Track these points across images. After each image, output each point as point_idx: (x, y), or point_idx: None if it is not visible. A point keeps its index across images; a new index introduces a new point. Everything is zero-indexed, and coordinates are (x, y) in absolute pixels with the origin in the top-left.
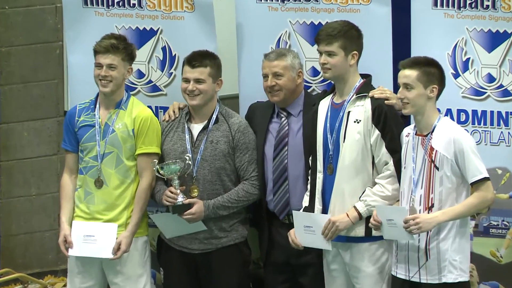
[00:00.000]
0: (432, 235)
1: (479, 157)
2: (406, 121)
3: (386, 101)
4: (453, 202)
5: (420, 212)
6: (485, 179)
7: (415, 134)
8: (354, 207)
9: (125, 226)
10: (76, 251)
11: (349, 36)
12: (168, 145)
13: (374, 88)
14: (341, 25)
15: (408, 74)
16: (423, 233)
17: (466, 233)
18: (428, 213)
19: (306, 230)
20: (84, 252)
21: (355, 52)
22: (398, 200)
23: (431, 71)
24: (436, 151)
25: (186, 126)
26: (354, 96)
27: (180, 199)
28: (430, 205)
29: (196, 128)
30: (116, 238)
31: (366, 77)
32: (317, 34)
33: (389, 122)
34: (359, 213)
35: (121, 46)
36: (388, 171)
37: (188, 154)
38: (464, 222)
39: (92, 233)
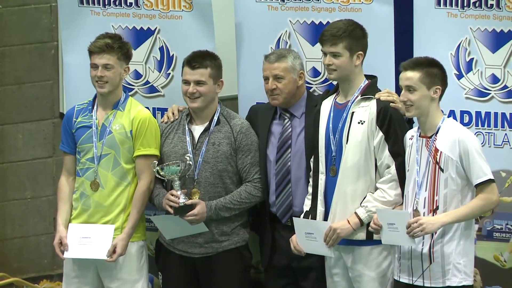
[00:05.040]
0: (437, 238)
1: (484, 158)
2: (411, 126)
3: (391, 104)
4: (458, 204)
5: (424, 215)
6: (489, 181)
7: (419, 136)
8: (355, 213)
9: (121, 230)
10: (71, 253)
11: (354, 36)
12: (169, 147)
13: (380, 90)
14: (346, 25)
15: (411, 76)
16: (427, 236)
17: (471, 235)
18: (433, 215)
19: (308, 237)
20: (79, 254)
21: (360, 52)
22: (401, 205)
23: (434, 72)
24: (441, 152)
25: (187, 128)
26: (359, 97)
27: (182, 200)
28: (434, 207)
29: (197, 129)
30: (112, 241)
31: (371, 78)
32: (321, 34)
33: (393, 124)
34: (360, 219)
35: (116, 45)
36: (389, 175)
37: (188, 155)
38: (469, 224)
39: (88, 235)
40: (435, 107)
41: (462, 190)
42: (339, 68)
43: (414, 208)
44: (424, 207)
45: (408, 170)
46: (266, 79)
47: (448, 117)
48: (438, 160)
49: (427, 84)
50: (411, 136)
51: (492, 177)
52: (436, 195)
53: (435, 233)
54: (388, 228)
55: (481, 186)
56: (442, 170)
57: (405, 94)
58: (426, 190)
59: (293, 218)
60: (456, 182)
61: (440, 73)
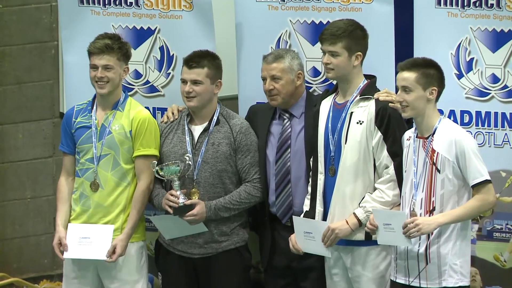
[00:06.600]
0: (433, 238)
1: (481, 159)
2: (410, 126)
3: (390, 104)
4: (455, 205)
5: (420, 216)
6: (486, 182)
7: (416, 137)
8: (354, 213)
9: (121, 230)
10: (70, 254)
11: (354, 37)
12: (168, 147)
13: (379, 90)
14: (346, 25)
15: (407, 77)
16: (424, 236)
17: (467, 236)
18: (429, 216)
19: (306, 236)
20: (79, 254)
21: (359, 53)
22: (399, 205)
23: (430, 73)
24: (438, 153)
25: (186, 128)
26: (358, 97)
27: (182, 200)
28: (431, 208)
29: (197, 129)
30: (112, 241)
31: (371, 77)
32: (321, 33)
33: (392, 125)
34: (358, 220)
35: (115, 46)
36: (387, 175)
37: (188, 155)
38: (465, 225)
39: (88, 235)
40: (431, 108)
41: (458, 191)
42: (336, 68)
43: (411, 209)
44: (420, 208)
45: (405, 171)
46: (264, 79)
47: (449, 117)
48: (435, 161)
49: (423, 85)
50: (409, 137)
51: (488, 178)
52: (433, 196)
53: (432, 233)
54: (384, 228)
55: (478, 187)
56: (439, 171)
57: (401, 95)
58: (423, 191)
59: (293, 216)
60: (453, 183)
61: (437, 74)
